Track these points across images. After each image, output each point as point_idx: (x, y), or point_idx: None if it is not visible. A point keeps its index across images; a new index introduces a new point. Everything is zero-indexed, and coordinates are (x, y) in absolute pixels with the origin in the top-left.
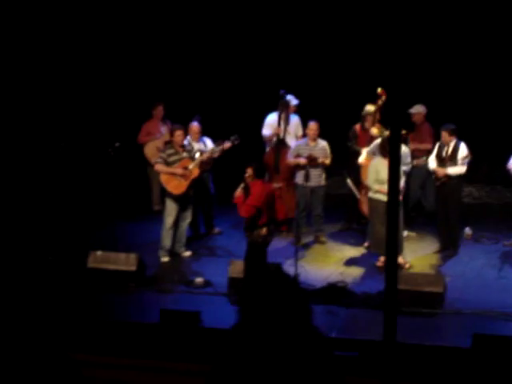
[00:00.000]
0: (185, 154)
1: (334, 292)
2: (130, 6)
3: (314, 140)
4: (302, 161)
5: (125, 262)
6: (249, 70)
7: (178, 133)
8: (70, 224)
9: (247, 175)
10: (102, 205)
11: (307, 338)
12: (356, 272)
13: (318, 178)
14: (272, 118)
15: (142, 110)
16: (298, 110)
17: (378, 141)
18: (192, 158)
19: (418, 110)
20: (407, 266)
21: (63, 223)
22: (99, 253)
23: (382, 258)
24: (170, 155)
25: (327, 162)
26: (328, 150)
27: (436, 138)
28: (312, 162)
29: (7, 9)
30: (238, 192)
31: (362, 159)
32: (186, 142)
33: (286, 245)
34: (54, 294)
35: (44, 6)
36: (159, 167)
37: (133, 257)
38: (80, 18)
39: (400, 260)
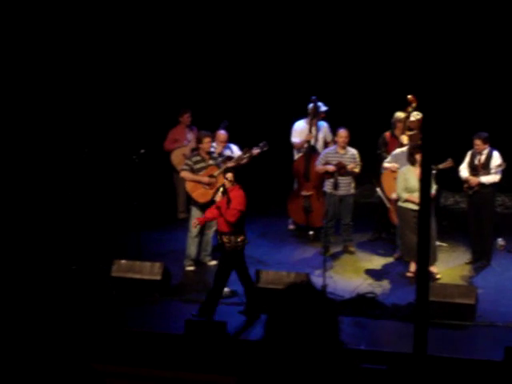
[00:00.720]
0: (211, 162)
1: (363, 303)
2: (160, 12)
3: (344, 148)
4: (331, 168)
5: (149, 270)
6: (277, 76)
7: (207, 140)
8: (94, 232)
9: (228, 180)
10: (127, 213)
11: (334, 352)
12: (385, 283)
13: (347, 186)
14: (300, 125)
15: (169, 116)
16: (327, 117)
17: (402, 149)
18: (218, 166)
19: (416, 117)
20: (438, 276)
21: (87, 231)
22: (124, 261)
23: (413, 269)
24: (196, 162)
25: (357, 170)
26: (358, 158)
27: (467, 146)
28: (341, 169)
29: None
30: (219, 197)
31: (386, 164)
32: (212, 149)
33: (314, 255)
34: (78, 303)
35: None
36: (185, 174)
37: (158, 266)
38: (109, 25)
39: (433, 269)
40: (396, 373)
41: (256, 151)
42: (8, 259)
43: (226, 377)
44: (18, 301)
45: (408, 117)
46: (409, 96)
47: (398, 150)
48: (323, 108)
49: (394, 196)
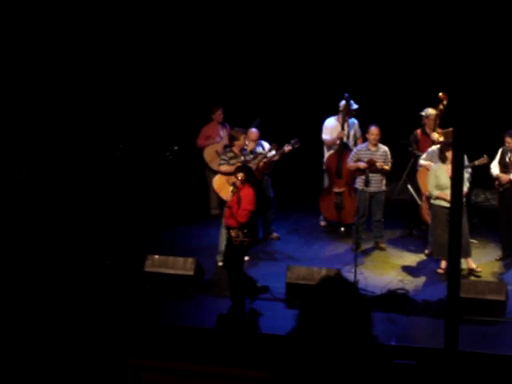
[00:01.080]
0: (242, 158)
1: (394, 299)
2: (193, 9)
3: (375, 145)
4: (362, 165)
5: (182, 266)
6: (307, 73)
7: (242, 137)
8: (128, 228)
9: (238, 179)
10: (160, 209)
11: (366, 345)
12: (416, 279)
13: (378, 183)
14: (331, 122)
15: (202, 113)
16: (357, 115)
17: (433, 148)
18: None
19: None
20: (479, 269)
21: (121, 227)
22: (157, 257)
23: (444, 265)
24: (230, 158)
25: (387, 167)
26: (389, 155)
27: (499, 143)
28: (372, 166)
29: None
30: (230, 195)
31: (422, 162)
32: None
33: (345, 251)
34: (112, 298)
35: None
36: (225, 168)
37: (190, 261)
38: (146, 22)
39: (471, 264)
40: (426, 368)
41: (287, 148)
42: (43, 254)
43: (257, 371)
44: (52, 295)
45: (439, 114)
46: (440, 93)
47: (434, 148)
48: (354, 105)
49: (427, 193)
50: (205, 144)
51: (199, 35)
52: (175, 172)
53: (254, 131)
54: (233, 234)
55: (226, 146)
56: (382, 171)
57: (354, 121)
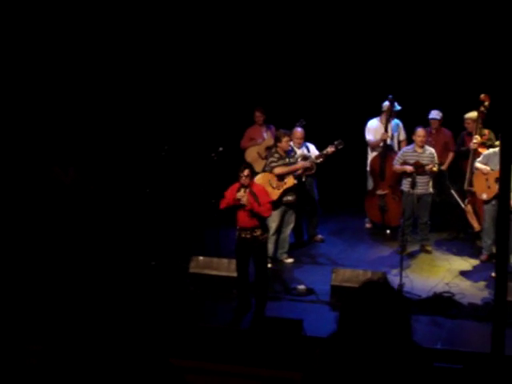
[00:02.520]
0: (287, 160)
1: (440, 302)
2: (234, 12)
3: (422, 147)
4: (409, 168)
5: (227, 267)
6: (351, 74)
7: (285, 139)
8: (173, 229)
9: (245, 176)
10: (205, 210)
11: (405, 350)
12: (463, 282)
13: (425, 185)
14: (374, 124)
15: (247, 115)
16: (401, 116)
17: (495, 149)
18: (288, 165)
19: (435, 115)
20: None
21: (166, 228)
22: (201, 258)
23: None
24: (277, 159)
25: (435, 169)
26: (435, 157)
27: None
28: (419, 169)
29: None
30: (240, 195)
31: (477, 165)
32: (289, 148)
33: (390, 253)
34: (157, 299)
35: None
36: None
37: (234, 263)
38: (181, 26)
39: None
40: (472, 373)
41: (331, 149)
42: (90, 254)
43: (302, 373)
44: (100, 296)
45: (481, 116)
46: (481, 95)
47: (490, 150)
48: (398, 107)
49: (483, 197)
50: (248, 145)
51: (242, 37)
52: (221, 173)
53: (298, 130)
54: (258, 233)
55: (268, 148)
56: (428, 173)
57: (397, 122)
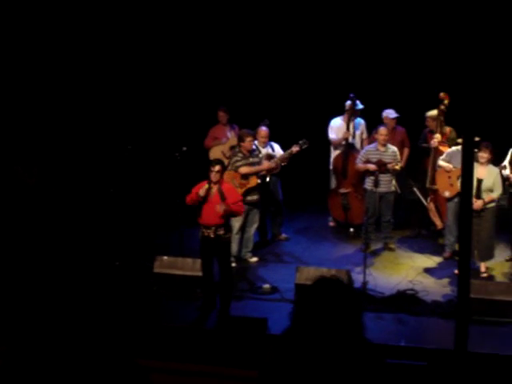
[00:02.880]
0: (251, 160)
1: (404, 300)
2: (197, 10)
3: (384, 145)
4: (372, 167)
5: (191, 267)
6: (314, 73)
7: (249, 139)
8: (137, 229)
9: (215, 172)
10: (169, 209)
11: (356, 346)
12: (426, 280)
13: (387, 183)
14: (337, 122)
15: (210, 114)
16: (364, 115)
17: (458, 147)
18: (252, 165)
19: (390, 114)
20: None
21: (129, 228)
22: (166, 258)
23: (483, 269)
24: (241, 159)
25: (397, 167)
26: (398, 156)
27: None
28: (382, 167)
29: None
30: (203, 192)
31: (440, 163)
32: (254, 147)
33: (354, 252)
34: (121, 299)
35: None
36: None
37: (199, 262)
38: (150, 23)
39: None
40: (436, 369)
41: (296, 149)
42: (52, 255)
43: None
44: (60, 296)
45: (440, 114)
46: (441, 93)
47: (453, 148)
48: (360, 105)
49: (446, 194)
50: (212, 145)
51: (205, 37)
52: (184, 173)
53: (262, 129)
54: (221, 232)
55: (232, 147)
56: (391, 172)
57: (360, 121)
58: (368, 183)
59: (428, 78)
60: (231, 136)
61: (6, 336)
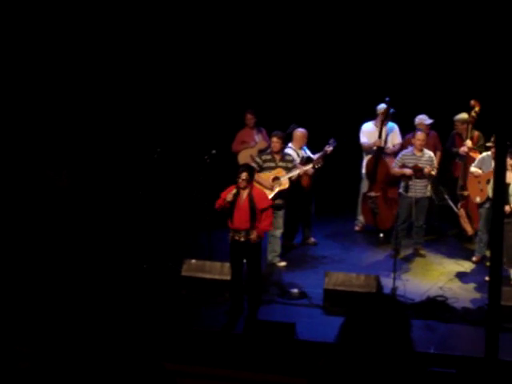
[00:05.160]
0: (280, 164)
1: (433, 306)
2: (229, 15)
3: (421, 150)
4: (408, 171)
5: (219, 270)
6: (342, 77)
7: (274, 139)
8: (166, 232)
9: (241, 179)
10: (198, 212)
11: (406, 359)
12: (456, 286)
13: (423, 188)
14: (368, 127)
15: (239, 118)
16: (397, 119)
17: (488, 153)
18: (287, 169)
19: (425, 120)
20: None
21: (158, 231)
22: (194, 261)
23: None
24: (265, 161)
25: (433, 172)
26: (434, 161)
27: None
28: (418, 172)
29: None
30: (230, 197)
31: (472, 170)
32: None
33: (384, 257)
34: (148, 303)
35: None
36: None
37: (227, 266)
38: (182, 29)
39: None
40: (466, 377)
41: (329, 149)
42: (83, 257)
43: (294, 378)
44: (90, 299)
45: (471, 121)
46: (471, 101)
47: (484, 154)
48: (391, 110)
49: (477, 200)
50: (239, 148)
51: (235, 39)
52: (213, 176)
53: (299, 130)
54: (253, 235)
55: (260, 151)
56: (427, 177)
57: (393, 125)
58: (403, 188)
59: (455, 81)
60: (259, 139)
61: (32, 338)
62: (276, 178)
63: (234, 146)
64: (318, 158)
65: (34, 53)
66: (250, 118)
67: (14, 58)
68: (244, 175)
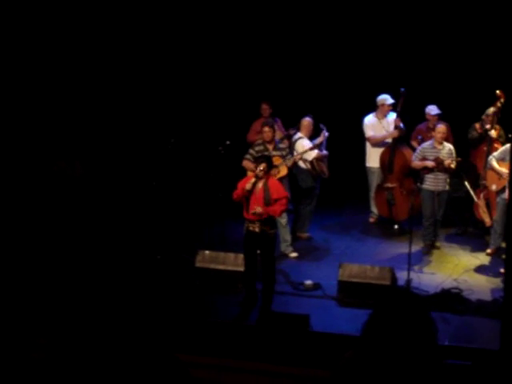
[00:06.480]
0: (274, 152)
1: (448, 299)
2: (244, 9)
3: (441, 143)
4: (431, 164)
5: (233, 261)
6: (350, 71)
7: (265, 129)
8: (179, 223)
9: (260, 169)
10: (212, 204)
11: (431, 355)
12: (471, 278)
13: (443, 182)
14: (371, 119)
15: (253, 108)
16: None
17: (507, 146)
18: (283, 157)
19: (436, 111)
20: None
21: (172, 222)
22: (208, 252)
23: None
24: (259, 152)
25: (453, 165)
26: (454, 154)
27: None
28: (439, 165)
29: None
30: (249, 186)
31: (493, 164)
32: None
33: (398, 249)
34: (162, 293)
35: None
36: (245, 164)
37: (241, 257)
38: (194, 23)
39: None
40: (481, 369)
41: (326, 134)
42: (97, 247)
43: (308, 369)
44: (104, 290)
45: (496, 112)
46: (497, 91)
47: (507, 146)
48: (391, 100)
49: (493, 188)
50: (254, 139)
51: (250, 31)
52: (227, 167)
53: (306, 119)
54: (266, 227)
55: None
56: (448, 170)
57: (392, 114)
58: (426, 183)
59: (467, 73)
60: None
61: (48, 329)
62: (274, 167)
63: (250, 136)
64: (316, 144)
65: (44, 45)
66: (265, 109)
67: (24, 50)
68: (263, 166)
